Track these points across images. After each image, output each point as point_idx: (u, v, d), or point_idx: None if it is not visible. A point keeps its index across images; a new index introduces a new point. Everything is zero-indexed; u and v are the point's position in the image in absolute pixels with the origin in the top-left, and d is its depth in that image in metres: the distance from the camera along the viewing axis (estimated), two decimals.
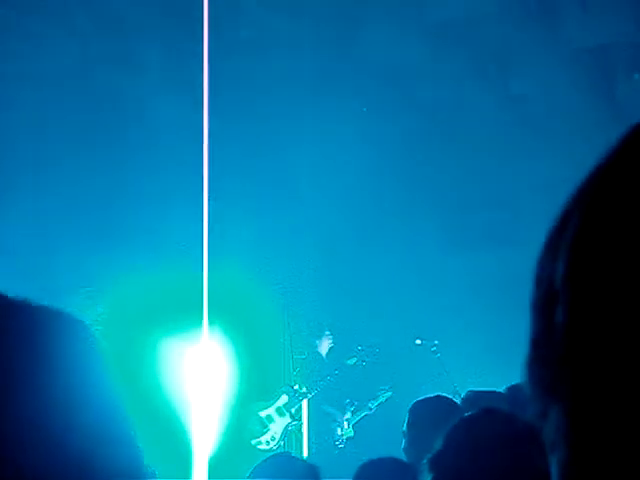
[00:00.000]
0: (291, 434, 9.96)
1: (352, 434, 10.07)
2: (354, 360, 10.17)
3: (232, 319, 9.73)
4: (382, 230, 10.84)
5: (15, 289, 1.07)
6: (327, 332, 10.16)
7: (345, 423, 10.08)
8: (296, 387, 9.94)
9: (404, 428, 4.54)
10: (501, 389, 4.90)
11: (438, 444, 2.62)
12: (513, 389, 4.72)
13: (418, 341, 10.22)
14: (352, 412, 10.12)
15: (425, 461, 2.61)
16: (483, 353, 9.83)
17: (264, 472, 3.33)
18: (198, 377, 9.36)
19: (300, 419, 9.96)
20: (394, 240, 10.81)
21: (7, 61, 10.04)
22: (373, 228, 10.91)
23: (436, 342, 10.14)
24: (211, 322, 9.09)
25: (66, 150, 9.96)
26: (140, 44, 10.21)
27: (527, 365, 0.74)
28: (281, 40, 10.46)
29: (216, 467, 9.24)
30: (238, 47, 10.42)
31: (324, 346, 10.16)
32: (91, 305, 9.09)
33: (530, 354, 0.74)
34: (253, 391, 9.91)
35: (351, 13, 10.61)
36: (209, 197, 8.93)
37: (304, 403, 9.99)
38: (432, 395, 4.68)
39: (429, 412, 4.40)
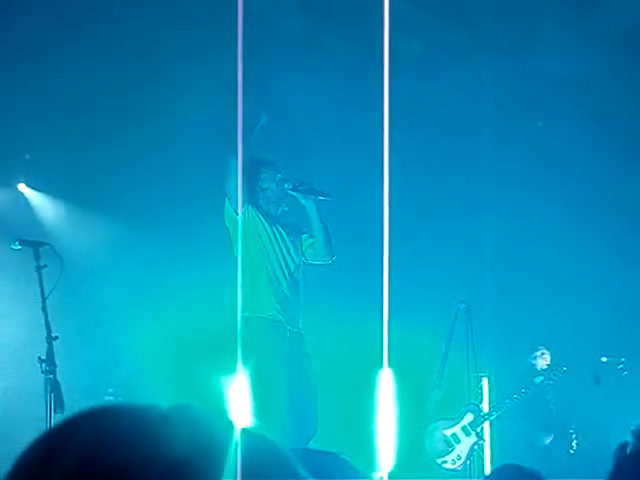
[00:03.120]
0: (475, 454, 9.75)
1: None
2: (541, 379, 9.89)
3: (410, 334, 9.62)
4: (563, 240, 10.62)
5: None
6: (541, 347, 9.93)
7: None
8: (481, 406, 9.72)
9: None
10: None
11: None
12: None
13: (604, 359, 9.89)
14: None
15: None
16: None
17: None
18: (383, 394, 9.27)
19: (483, 439, 9.73)
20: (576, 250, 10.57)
21: None
22: (552, 239, 10.69)
23: (623, 359, 9.80)
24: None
25: None
26: None
27: None
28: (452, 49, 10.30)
29: None
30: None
31: (539, 363, 9.94)
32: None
33: None
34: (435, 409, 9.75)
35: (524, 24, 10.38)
36: None
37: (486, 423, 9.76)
38: None
39: None
